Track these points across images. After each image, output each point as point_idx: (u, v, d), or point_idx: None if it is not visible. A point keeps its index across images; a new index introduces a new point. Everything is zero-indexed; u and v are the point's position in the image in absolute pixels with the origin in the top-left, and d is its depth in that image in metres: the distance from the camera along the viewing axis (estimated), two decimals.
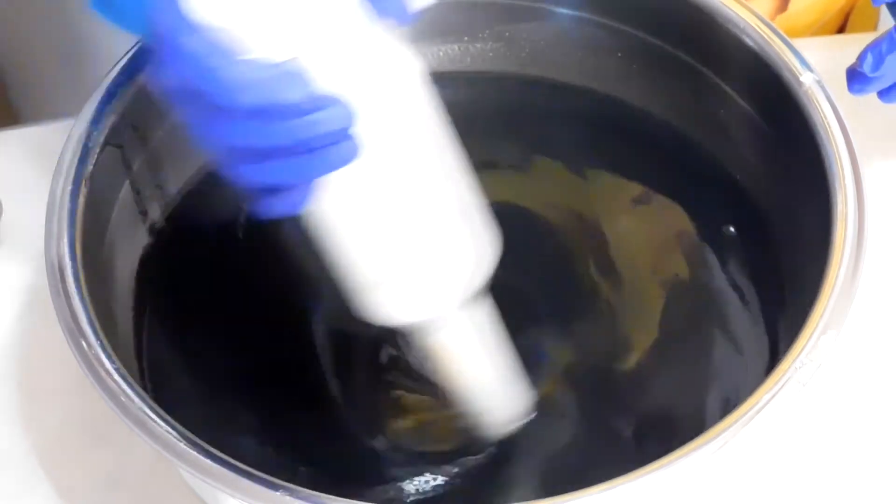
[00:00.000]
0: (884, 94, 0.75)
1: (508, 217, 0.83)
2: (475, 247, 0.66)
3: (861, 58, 0.72)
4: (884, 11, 0.76)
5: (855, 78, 0.73)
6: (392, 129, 0.59)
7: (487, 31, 0.87)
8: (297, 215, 0.61)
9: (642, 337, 0.77)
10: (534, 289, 0.80)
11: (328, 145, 0.57)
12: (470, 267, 0.66)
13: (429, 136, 0.63)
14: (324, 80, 0.56)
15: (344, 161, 0.58)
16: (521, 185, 0.85)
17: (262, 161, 0.57)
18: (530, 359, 0.74)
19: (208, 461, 0.63)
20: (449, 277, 0.65)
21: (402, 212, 0.62)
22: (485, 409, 0.72)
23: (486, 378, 0.71)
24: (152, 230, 0.81)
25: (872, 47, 0.72)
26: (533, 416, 0.74)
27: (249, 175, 0.58)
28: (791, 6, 0.94)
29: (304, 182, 0.59)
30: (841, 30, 1.01)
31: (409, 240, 0.63)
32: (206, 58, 0.55)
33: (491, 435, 0.73)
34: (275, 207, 0.60)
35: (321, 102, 0.56)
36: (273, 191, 0.59)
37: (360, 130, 0.58)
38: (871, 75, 0.72)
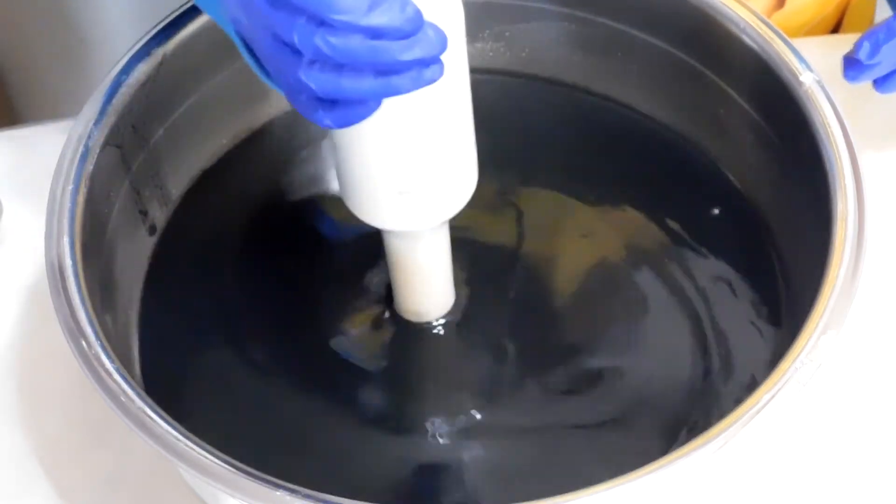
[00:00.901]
0: (879, 83, 0.75)
1: (508, 216, 0.83)
2: (473, 171, 0.71)
3: (857, 45, 0.72)
4: (880, 6, 0.76)
5: (850, 65, 0.74)
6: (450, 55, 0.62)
7: (487, 31, 0.87)
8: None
9: (638, 335, 0.77)
10: (528, 284, 0.80)
11: (421, 67, 0.58)
12: (468, 188, 0.71)
13: (463, 66, 0.67)
14: (420, 3, 0.58)
15: (429, 82, 0.59)
16: (521, 185, 0.85)
17: (355, 76, 0.58)
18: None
19: (208, 461, 0.63)
20: (453, 194, 0.70)
21: (435, 129, 0.66)
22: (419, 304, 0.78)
23: (434, 284, 0.77)
24: (152, 230, 0.81)
25: (869, 35, 0.72)
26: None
27: (330, 86, 0.59)
28: (788, 4, 0.94)
29: (384, 97, 0.60)
30: (836, 29, 1.01)
31: (438, 155, 0.67)
32: None
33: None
34: (335, 119, 0.61)
35: (421, 26, 0.58)
36: (336, 103, 0.60)
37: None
38: (866, 63, 0.72)
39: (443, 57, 0.59)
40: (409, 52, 0.57)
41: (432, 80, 0.59)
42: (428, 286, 0.77)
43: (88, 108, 0.75)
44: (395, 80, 0.58)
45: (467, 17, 0.88)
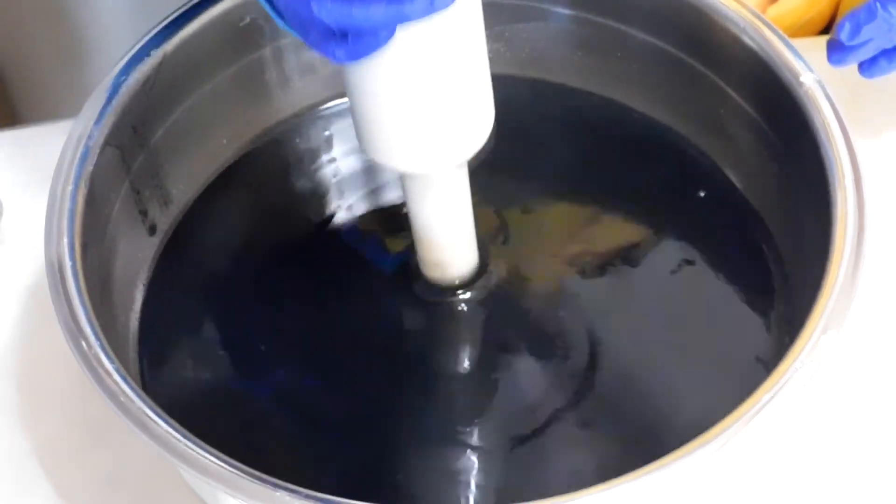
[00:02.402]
0: (864, 67, 0.75)
1: (507, 216, 0.83)
2: (489, 112, 0.70)
3: (839, 27, 0.72)
4: None
5: (834, 48, 0.74)
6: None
7: (487, 31, 0.87)
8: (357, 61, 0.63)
9: (636, 335, 0.77)
10: (525, 281, 0.80)
11: None
12: (484, 129, 0.70)
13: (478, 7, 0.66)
14: None
15: (440, 7, 0.59)
16: (519, 184, 0.85)
17: (365, 4, 0.59)
18: None
19: (208, 461, 0.63)
20: (469, 135, 0.69)
21: (448, 65, 0.65)
22: (444, 259, 0.77)
23: (455, 232, 0.76)
24: (152, 230, 0.81)
25: (850, 17, 0.72)
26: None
27: (340, 16, 0.59)
28: (781, 2, 0.94)
29: (395, 25, 0.60)
30: (829, 27, 1.01)
31: (452, 93, 0.66)
32: None
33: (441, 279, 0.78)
34: (348, 51, 0.61)
35: None
36: (347, 36, 0.61)
37: None
38: (848, 44, 0.73)
39: None
40: None
41: (444, 6, 0.59)
42: (448, 236, 0.76)
43: (88, 108, 0.75)
44: (407, 7, 0.58)
45: None
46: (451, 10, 0.62)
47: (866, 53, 0.74)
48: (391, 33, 0.61)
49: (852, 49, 0.73)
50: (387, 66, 0.64)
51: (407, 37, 0.62)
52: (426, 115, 0.67)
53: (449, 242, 0.77)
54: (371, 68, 0.64)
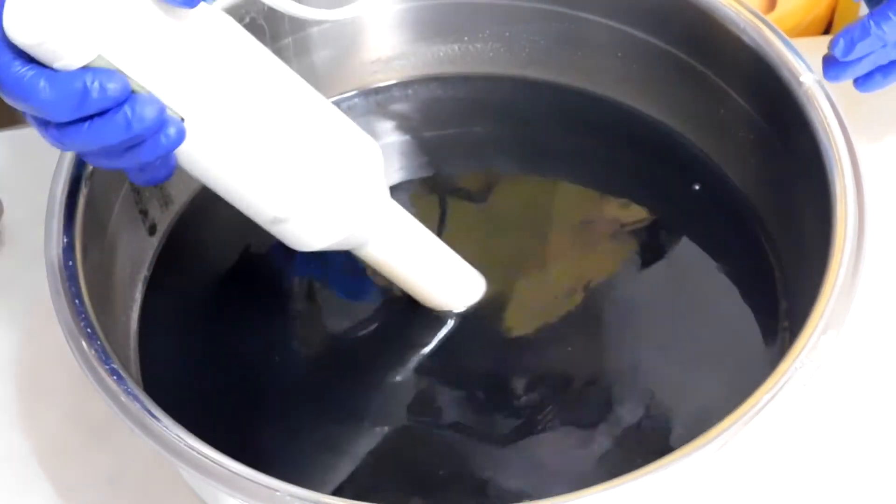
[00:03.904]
0: (860, 82, 0.75)
1: (506, 216, 0.83)
2: (353, 160, 0.69)
3: (833, 42, 0.73)
4: (863, 7, 0.76)
5: (829, 65, 0.74)
6: (222, 79, 0.63)
7: (487, 31, 0.87)
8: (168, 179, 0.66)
9: (635, 335, 0.77)
10: (527, 281, 0.80)
11: (153, 134, 0.60)
12: (356, 181, 0.69)
13: (261, 72, 0.66)
14: (128, 63, 0.59)
15: (174, 142, 0.61)
16: (519, 184, 0.85)
17: (105, 156, 0.62)
18: None
19: (208, 461, 0.63)
20: (344, 194, 0.68)
21: (270, 147, 0.65)
22: (435, 295, 0.77)
23: (428, 273, 0.76)
24: (152, 230, 0.81)
25: (844, 33, 0.72)
26: (486, 293, 0.78)
27: (98, 164, 0.64)
28: (779, 6, 0.94)
29: (147, 162, 0.63)
30: (828, 30, 1.01)
31: (287, 171, 0.66)
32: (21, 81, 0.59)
33: (451, 309, 0.78)
34: (143, 181, 0.65)
35: (124, 99, 0.59)
36: (138, 169, 0.64)
37: (175, 95, 0.61)
38: (842, 60, 0.73)
39: (204, 95, 0.61)
40: (123, 129, 0.59)
41: (177, 140, 0.61)
42: (413, 283, 0.76)
43: None
44: (140, 151, 0.61)
45: (468, 17, 0.88)
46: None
47: (862, 69, 0.74)
48: (167, 162, 0.64)
49: (847, 65, 0.73)
50: (207, 168, 0.65)
51: (211, 143, 0.63)
52: (269, 204, 0.67)
53: (420, 289, 0.76)
54: (202, 174, 0.66)
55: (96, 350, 0.66)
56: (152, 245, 0.81)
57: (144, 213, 0.80)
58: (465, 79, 0.88)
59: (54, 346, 0.72)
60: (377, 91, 0.88)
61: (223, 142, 0.64)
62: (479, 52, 0.87)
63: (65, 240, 0.70)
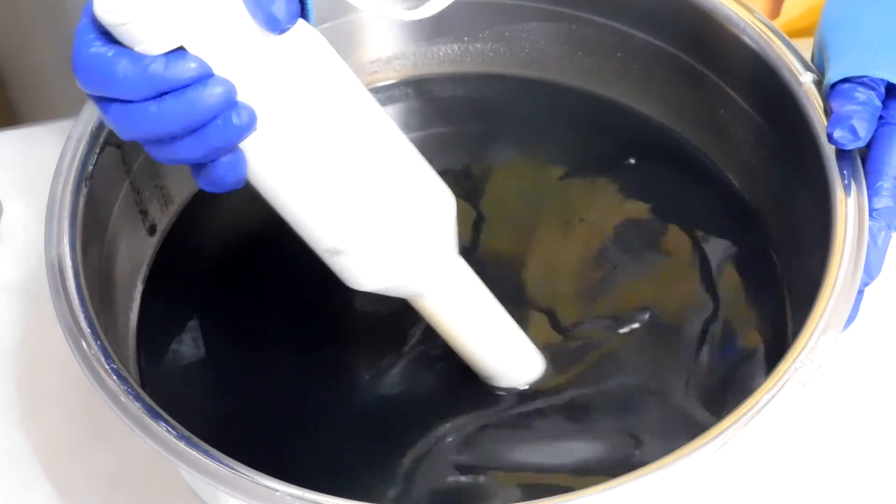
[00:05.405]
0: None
1: (506, 216, 0.83)
2: (422, 203, 0.66)
3: (831, 136, 0.70)
4: None
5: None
6: (300, 95, 0.62)
7: (487, 31, 0.87)
8: (237, 188, 0.64)
9: (635, 334, 0.77)
10: (532, 280, 0.80)
11: (217, 119, 0.59)
12: (422, 225, 0.66)
13: (343, 97, 0.64)
14: (207, 60, 0.59)
15: (245, 126, 0.60)
16: (519, 185, 0.85)
17: (170, 143, 0.61)
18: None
19: (208, 461, 0.63)
20: (408, 238, 0.66)
21: (339, 172, 0.63)
22: (490, 368, 0.74)
23: (484, 340, 0.73)
24: (152, 230, 0.81)
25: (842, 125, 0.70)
26: (544, 373, 0.75)
27: (163, 156, 0.62)
28: (783, 14, 0.94)
29: (213, 157, 0.62)
30: None
31: (352, 201, 0.64)
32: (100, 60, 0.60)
33: (506, 388, 0.75)
34: (211, 182, 0.63)
35: (199, 81, 0.59)
36: (201, 167, 0.62)
37: (251, 100, 0.60)
38: (850, 147, 0.71)
39: (280, 99, 0.60)
40: (190, 109, 0.58)
41: (248, 126, 0.60)
42: (466, 347, 0.73)
43: (88, 108, 0.75)
44: (207, 133, 0.60)
45: (468, 17, 0.88)
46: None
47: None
48: (237, 161, 0.62)
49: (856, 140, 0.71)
50: (274, 185, 0.64)
51: (280, 158, 0.62)
52: (330, 233, 0.65)
53: (475, 356, 0.73)
54: (267, 188, 0.64)
55: (96, 350, 0.66)
56: (152, 245, 0.81)
57: (144, 213, 0.80)
58: (465, 78, 0.88)
59: (54, 346, 0.72)
60: (377, 91, 0.88)
61: (292, 158, 0.62)
62: (479, 52, 0.88)
63: (65, 240, 0.70)
